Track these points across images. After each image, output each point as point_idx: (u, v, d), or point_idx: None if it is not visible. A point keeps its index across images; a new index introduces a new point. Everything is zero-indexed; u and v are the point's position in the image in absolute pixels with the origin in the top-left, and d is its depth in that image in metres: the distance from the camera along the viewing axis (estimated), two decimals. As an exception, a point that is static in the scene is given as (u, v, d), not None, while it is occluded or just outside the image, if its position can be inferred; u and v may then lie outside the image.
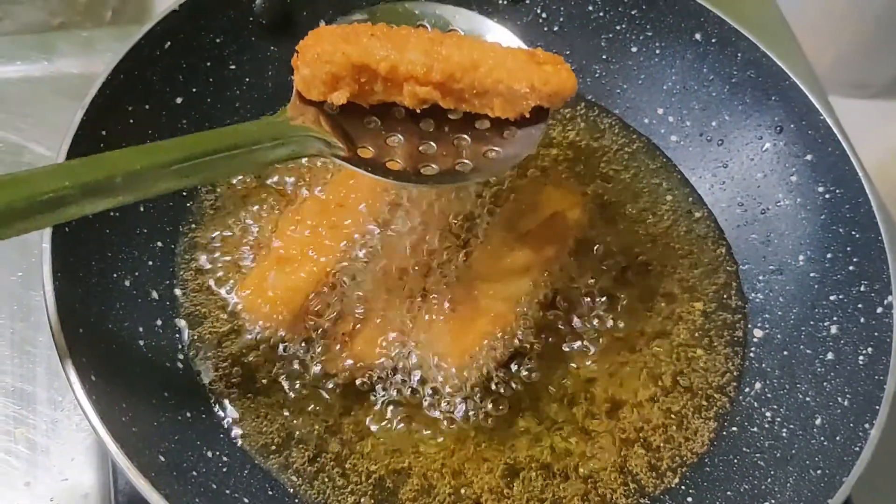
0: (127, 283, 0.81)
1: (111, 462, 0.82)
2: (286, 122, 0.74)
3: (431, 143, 0.78)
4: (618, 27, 1.01)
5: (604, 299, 0.89)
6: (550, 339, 0.87)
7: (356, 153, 0.76)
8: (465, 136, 0.79)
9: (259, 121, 0.78)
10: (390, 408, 0.81)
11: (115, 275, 0.80)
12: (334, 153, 0.74)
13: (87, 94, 0.82)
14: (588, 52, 1.02)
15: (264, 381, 0.82)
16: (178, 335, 0.82)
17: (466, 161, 0.77)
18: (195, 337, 0.83)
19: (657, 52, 1.00)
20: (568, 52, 1.02)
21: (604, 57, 1.02)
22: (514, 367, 0.84)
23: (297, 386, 0.82)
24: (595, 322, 0.88)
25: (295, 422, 0.80)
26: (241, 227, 0.90)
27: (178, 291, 0.85)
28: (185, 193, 0.89)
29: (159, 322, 0.81)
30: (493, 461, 0.80)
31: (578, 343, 0.87)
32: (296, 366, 0.82)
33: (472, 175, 0.77)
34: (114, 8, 1.54)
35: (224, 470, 0.75)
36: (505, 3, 1.02)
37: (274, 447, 0.79)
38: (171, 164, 0.64)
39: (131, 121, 0.86)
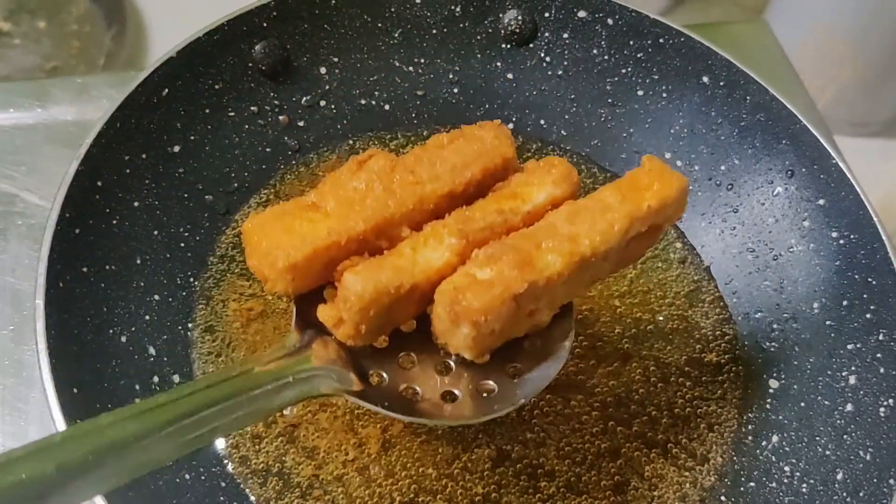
0: (123, 339, 0.78)
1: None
2: (304, 359, 0.65)
3: (449, 362, 0.70)
4: (623, 70, 0.99)
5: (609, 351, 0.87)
6: (553, 397, 0.84)
7: (369, 384, 0.68)
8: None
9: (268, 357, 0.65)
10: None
11: (110, 331, 0.78)
12: (346, 388, 0.65)
13: (83, 144, 0.80)
14: (593, 96, 1.01)
15: (265, 441, 0.79)
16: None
17: (490, 382, 0.69)
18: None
19: (664, 95, 0.98)
20: (573, 97, 1.01)
21: (609, 101, 1.00)
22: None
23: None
24: (601, 375, 0.86)
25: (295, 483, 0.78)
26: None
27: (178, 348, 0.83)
28: (182, 244, 0.87)
29: (156, 379, 0.79)
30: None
31: (589, 408, 0.84)
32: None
33: (500, 405, 0.68)
34: (108, 52, 1.53)
35: (224, 535, 0.72)
36: (508, 47, 1.01)
37: (276, 509, 0.76)
38: (165, 426, 0.55)
39: (128, 171, 0.84)
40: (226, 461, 0.78)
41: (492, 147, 0.73)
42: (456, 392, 0.69)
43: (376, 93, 1.00)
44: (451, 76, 1.01)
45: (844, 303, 0.85)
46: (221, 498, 0.75)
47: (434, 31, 0.99)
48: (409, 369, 0.70)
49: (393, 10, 0.98)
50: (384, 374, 0.69)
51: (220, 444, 0.79)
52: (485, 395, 0.69)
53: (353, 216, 0.67)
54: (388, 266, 0.65)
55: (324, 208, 0.68)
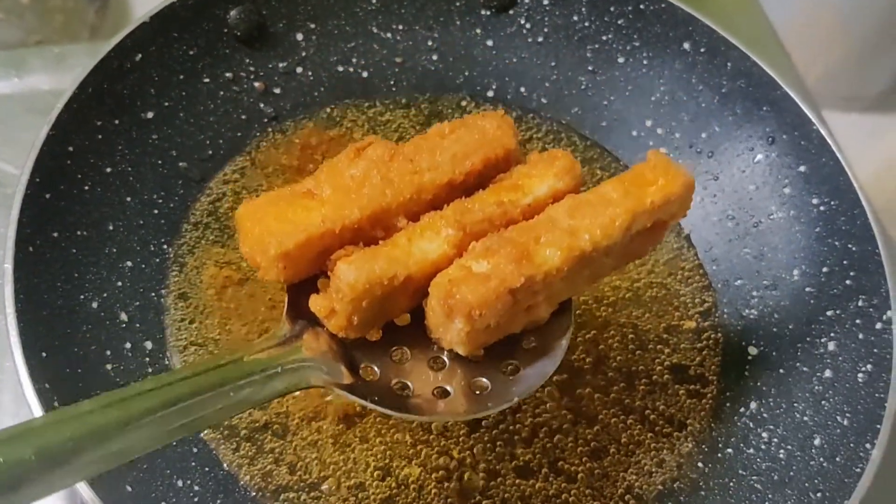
0: (94, 304, 0.77)
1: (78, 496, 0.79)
2: (294, 350, 0.64)
3: (443, 357, 0.68)
4: (604, 37, 0.98)
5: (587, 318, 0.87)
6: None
7: (360, 377, 0.66)
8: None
9: (258, 345, 0.63)
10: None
11: (81, 296, 0.77)
12: (335, 381, 0.64)
13: (54, 109, 0.79)
14: (574, 63, 1.00)
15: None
16: (147, 359, 0.79)
17: (484, 380, 0.67)
18: (166, 360, 0.80)
19: (645, 62, 0.97)
20: (553, 64, 1.00)
21: (590, 68, 0.99)
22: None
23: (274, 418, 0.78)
24: (579, 343, 0.85)
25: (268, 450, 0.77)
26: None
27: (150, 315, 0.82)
28: (156, 211, 0.86)
29: (128, 345, 0.78)
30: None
31: (565, 375, 0.83)
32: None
33: (493, 403, 0.66)
34: (91, 25, 1.52)
35: (195, 500, 0.72)
36: (488, 13, 1.00)
37: (248, 476, 0.76)
38: (149, 414, 0.53)
39: (100, 136, 0.83)
40: (198, 427, 0.77)
41: (494, 137, 0.71)
42: (448, 388, 0.67)
43: (354, 60, 0.99)
44: (430, 43, 1.00)
45: (824, 269, 0.84)
46: (193, 463, 0.74)
47: (413, -3, 0.99)
48: (401, 364, 0.68)
49: (371, -25, 0.98)
50: (376, 368, 0.67)
51: (193, 410, 0.78)
52: (477, 392, 0.67)
53: (349, 204, 0.66)
54: (382, 256, 0.63)
55: (319, 195, 0.66)
